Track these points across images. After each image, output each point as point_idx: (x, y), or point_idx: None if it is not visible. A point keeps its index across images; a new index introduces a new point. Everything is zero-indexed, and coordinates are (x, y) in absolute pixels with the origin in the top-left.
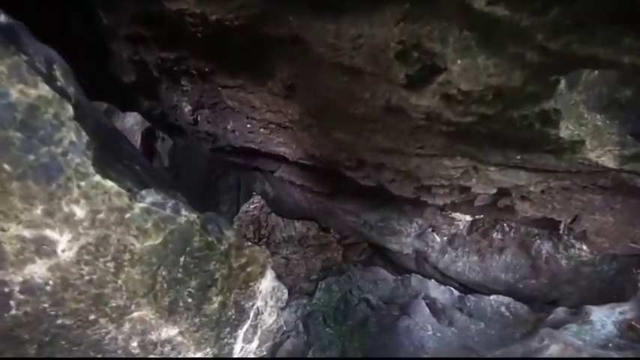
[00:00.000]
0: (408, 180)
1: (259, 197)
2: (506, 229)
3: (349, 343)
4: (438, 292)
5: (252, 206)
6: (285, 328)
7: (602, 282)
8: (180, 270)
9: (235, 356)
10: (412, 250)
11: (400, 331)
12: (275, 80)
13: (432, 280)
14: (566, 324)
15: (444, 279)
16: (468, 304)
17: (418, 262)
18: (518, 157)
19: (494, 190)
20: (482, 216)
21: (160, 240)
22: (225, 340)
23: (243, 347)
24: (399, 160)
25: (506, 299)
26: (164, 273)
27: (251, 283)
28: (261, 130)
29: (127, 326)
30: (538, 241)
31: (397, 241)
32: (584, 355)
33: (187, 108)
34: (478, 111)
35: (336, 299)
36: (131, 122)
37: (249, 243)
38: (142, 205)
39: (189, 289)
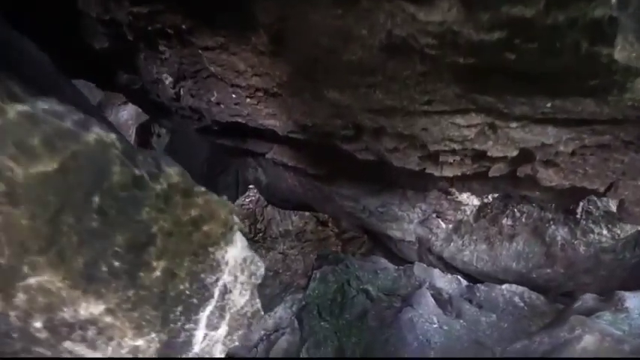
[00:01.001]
0: (412, 148)
1: (255, 191)
2: (517, 214)
3: (346, 339)
4: (444, 281)
5: (247, 200)
6: (262, 313)
7: (623, 271)
8: (96, 217)
9: (197, 345)
10: (415, 237)
11: (402, 325)
12: (259, 33)
13: (437, 269)
14: (598, 312)
15: (450, 271)
16: (478, 295)
17: (421, 253)
18: (549, 104)
19: (515, 153)
20: (491, 200)
21: (55, 165)
22: (180, 323)
23: (206, 335)
24: (402, 122)
25: (520, 288)
26: (70, 220)
27: (211, 249)
28: (248, 100)
29: (21, 298)
30: (553, 226)
31: (399, 228)
32: (626, 347)
33: (168, 80)
34: (511, 15)
35: (332, 290)
36: (125, 117)
37: (203, 189)
38: (22, 108)
39: (115, 248)
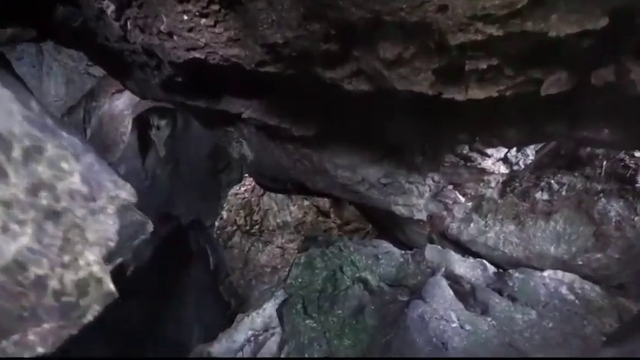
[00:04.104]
0: (423, 53)
1: (250, 179)
2: (555, 186)
3: (338, 341)
4: (465, 267)
5: (242, 188)
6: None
7: None
8: None
9: None
10: (425, 215)
11: (410, 324)
12: None
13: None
14: None
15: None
16: (511, 284)
17: (433, 237)
18: None
19: (602, 22)
20: (522, 167)
21: None
22: None
23: None
24: (408, 1)
25: (569, 276)
26: None
27: None
28: (202, 21)
29: None
30: (603, 199)
31: (405, 203)
32: None
33: (110, 9)
34: None
35: (320, 279)
36: (120, 107)
37: None
38: None
39: None
